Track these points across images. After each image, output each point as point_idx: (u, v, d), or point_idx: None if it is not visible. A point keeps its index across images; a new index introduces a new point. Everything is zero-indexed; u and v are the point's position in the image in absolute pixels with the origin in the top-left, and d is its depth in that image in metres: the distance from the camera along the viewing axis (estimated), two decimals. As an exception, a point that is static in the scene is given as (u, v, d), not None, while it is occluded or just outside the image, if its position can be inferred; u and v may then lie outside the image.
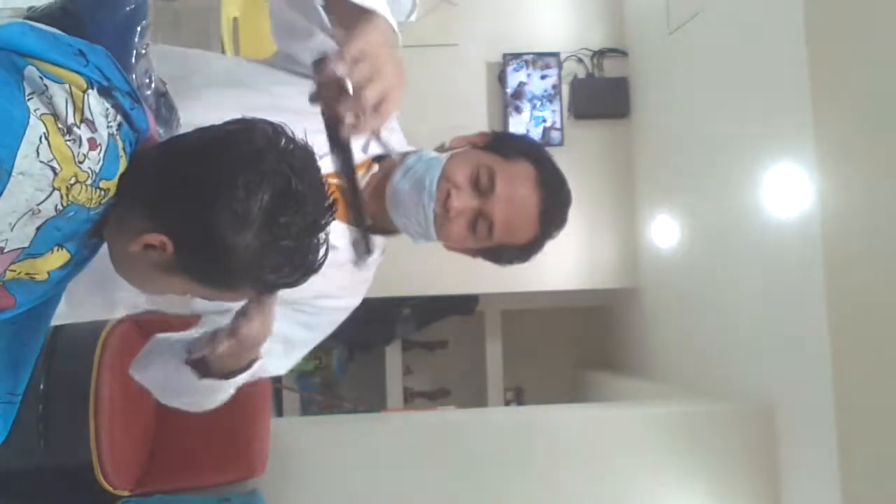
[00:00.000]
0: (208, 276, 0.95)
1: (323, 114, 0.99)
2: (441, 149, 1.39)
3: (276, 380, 4.52)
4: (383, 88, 1.00)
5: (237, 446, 2.80)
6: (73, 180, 0.86)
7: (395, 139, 1.42)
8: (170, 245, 0.91)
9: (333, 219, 0.99)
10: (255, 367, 1.20)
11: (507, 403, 5.15)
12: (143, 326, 2.59)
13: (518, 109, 4.37)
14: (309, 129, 0.98)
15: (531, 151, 1.37)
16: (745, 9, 3.31)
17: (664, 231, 4.08)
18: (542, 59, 4.39)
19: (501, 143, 1.37)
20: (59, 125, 0.84)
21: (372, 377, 5.35)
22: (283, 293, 1.12)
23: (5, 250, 0.86)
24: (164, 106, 1.08)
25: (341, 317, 1.42)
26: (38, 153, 0.83)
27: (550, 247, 1.39)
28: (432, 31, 4.16)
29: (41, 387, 2.58)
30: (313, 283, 1.20)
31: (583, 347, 5.39)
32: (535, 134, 4.35)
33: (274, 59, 1.38)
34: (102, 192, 0.91)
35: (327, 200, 0.97)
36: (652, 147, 4.25)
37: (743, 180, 3.28)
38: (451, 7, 4.32)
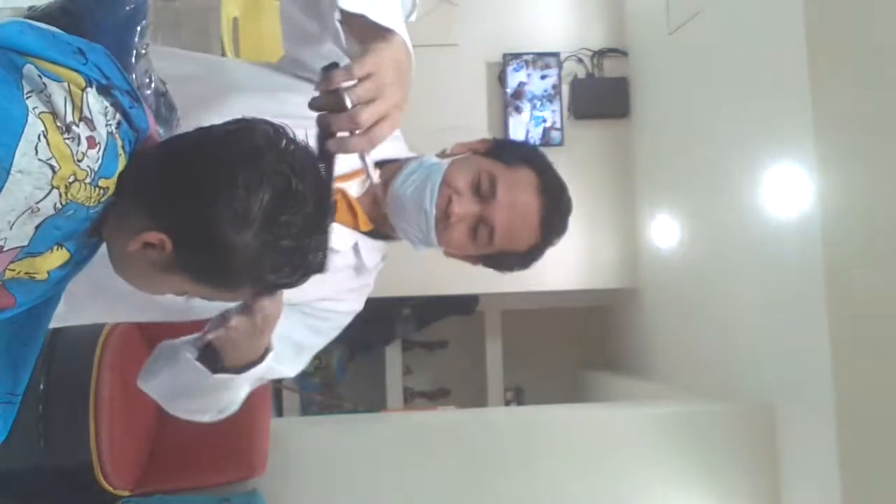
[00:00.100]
0: (207, 276, 0.95)
1: (318, 121, 0.99)
2: (442, 155, 1.39)
3: (276, 380, 4.52)
4: (381, 111, 1.00)
5: (237, 446, 2.79)
6: (71, 178, 0.86)
7: (397, 146, 1.42)
8: (169, 243, 0.91)
9: (334, 220, 0.99)
10: (268, 359, 1.18)
11: (507, 403, 5.15)
12: (144, 327, 2.59)
13: (518, 109, 4.37)
14: (311, 134, 0.98)
15: (532, 158, 1.37)
16: (745, 9, 3.31)
17: (664, 231, 4.09)
18: (542, 59, 4.39)
19: (503, 150, 1.37)
20: (58, 123, 0.84)
21: (372, 377, 5.35)
22: (287, 296, 1.12)
23: (4, 249, 0.86)
24: (164, 106, 1.08)
25: (345, 321, 1.42)
26: (36, 151, 0.83)
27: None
28: (432, 31, 4.16)
29: (41, 387, 2.58)
30: (315, 287, 1.20)
31: (583, 347, 5.40)
32: (535, 134, 4.36)
33: (281, 64, 1.38)
34: (101, 191, 0.91)
35: (328, 201, 0.97)
36: (652, 147, 4.26)
37: (743, 180, 3.28)
38: (451, 7, 4.32)
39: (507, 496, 3.11)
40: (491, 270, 1.43)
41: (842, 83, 2.75)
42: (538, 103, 4.37)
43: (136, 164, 0.95)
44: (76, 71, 0.87)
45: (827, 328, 2.73)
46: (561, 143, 4.34)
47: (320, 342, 1.41)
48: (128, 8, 0.99)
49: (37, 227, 0.87)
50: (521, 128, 4.36)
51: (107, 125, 0.90)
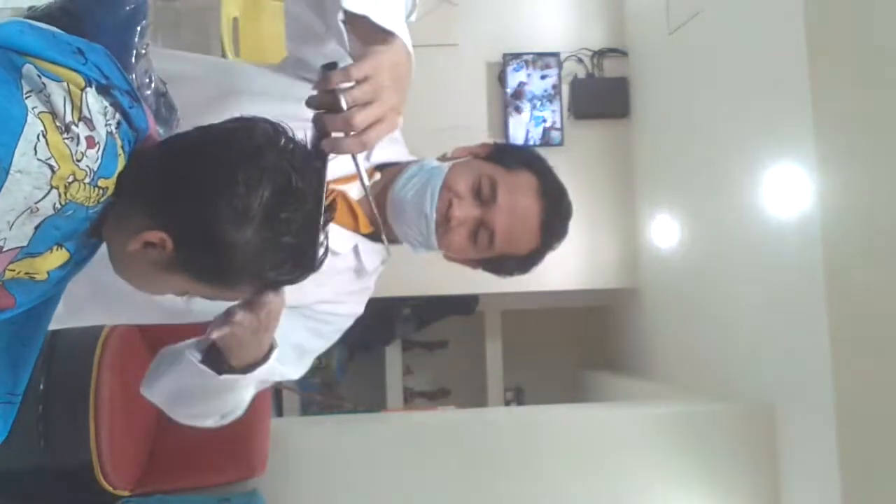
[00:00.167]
0: (208, 274, 0.95)
1: (313, 120, 0.99)
2: (443, 159, 1.39)
3: (277, 381, 4.52)
4: (377, 114, 1.00)
5: (237, 446, 2.79)
6: (71, 178, 0.86)
7: (397, 150, 1.42)
8: (169, 242, 0.91)
9: (332, 217, 0.99)
10: (273, 357, 1.17)
11: (507, 403, 5.15)
12: (144, 328, 2.59)
13: (518, 109, 4.37)
14: (309, 133, 0.99)
15: (533, 163, 1.37)
16: (745, 9, 3.31)
17: (664, 231, 4.09)
18: (542, 59, 4.39)
19: (503, 154, 1.38)
20: (57, 123, 0.85)
21: (372, 377, 5.35)
22: (287, 299, 1.12)
23: (4, 249, 0.86)
24: (164, 106, 1.08)
25: (345, 324, 1.42)
26: (35, 151, 0.83)
27: (551, 246, 1.39)
28: (432, 31, 4.16)
29: (41, 387, 2.58)
30: (315, 288, 1.19)
31: (583, 347, 5.40)
32: (535, 134, 4.36)
33: (283, 65, 1.38)
34: (101, 191, 0.91)
35: (327, 199, 0.97)
36: (652, 147, 4.26)
37: (743, 180, 3.28)
38: (451, 7, 4.32)
39: (506, 496, 3.11)
40: (491, 271, 1.42)
41: (842, 83, 2.75)
42: (538, 103, 4.37)
43: (136, 163, 0.95)
44: (76, 71, 0.88)
45: (827, 328, 2.73)
46: (561, 143, 4.34)
47: (322, 345, 1.41)
48: (128, 8, 0.99)
49: (36, 228, 0.87)
50: (521, 128, 4.36)
51: (106, 125, 0.90)
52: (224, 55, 3.24)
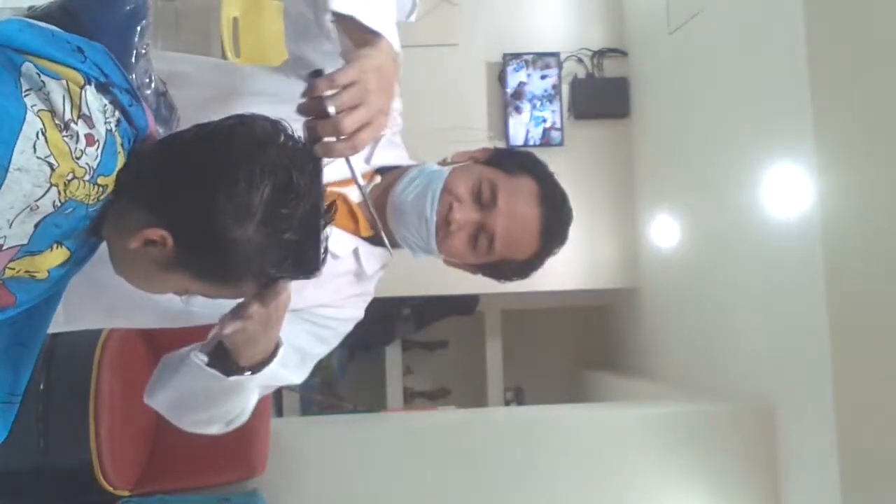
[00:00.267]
0: (209, 272, 0.95)
1: (304, 126, 1.00)
2: (443, 163, 1.39)
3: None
4: (364, 117, 1.02)
5: (237, 446, 2.79)
6: (70, 176, 0.86)
7: (398, 154, 1.42)
8: (170, 240, 0.91)
9: (333, 218, 0.99)
10: (280, 354, 1.17)
11: (507, 403, 5.15)
12: (144, 329, 2.59)
13: (518, 109, 4.37)
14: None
15: (533, 167, 1.37)
16: (745, 9, 3.31)
17: (664, 231, 4.09)
18: (542, 59, 4.39)
19: (503, 159, 1.38)
20: (56, 121, 0.85)
21: (372, 377, 5.35)
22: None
23: (4, 247, 0.86)
24: (164, 106, 1.08)
25: (346, 328, 1.42)
26: (34, 149, 0.83)
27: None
28: (432, 31, 4.16)
29: (41, 387, 2.58)
30: (315, 290, 1.19)
31: (583, 347, 5.40)
32: (535, 134, 4.35)
33: (284, 67, 1.38)
34: (100, 189, 0.91)
35: (326, 200, 0.97)
36: (652, 147, 4.26)
37: (743, 180, 3.28)
38: (451, 7, 4.32)
39: (506, 496, 3.11)
40: (491, 270, 1.42)
41: (842, 83, 2.75)
42: (538, 103, 4.37)
43: (136, 161, 0.95)
44: (75, 69, 0.88)
45: (827, 328, 2.73)
46: (561, 143, 4.34)
47: (323, 350, 1.41)
48: (128, 8, 0.99)
49: (36, 226, 0.87)
50: (521, 128, 4.36)
51: (105, 122, 0.90)
52: (224, 55, 3.24)
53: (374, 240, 1.36)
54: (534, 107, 4.37)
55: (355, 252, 1.35)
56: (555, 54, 4.40)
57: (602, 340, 5.15)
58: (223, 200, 0.89)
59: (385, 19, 1.13)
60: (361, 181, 1.23)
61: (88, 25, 0.96)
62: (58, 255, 0.93)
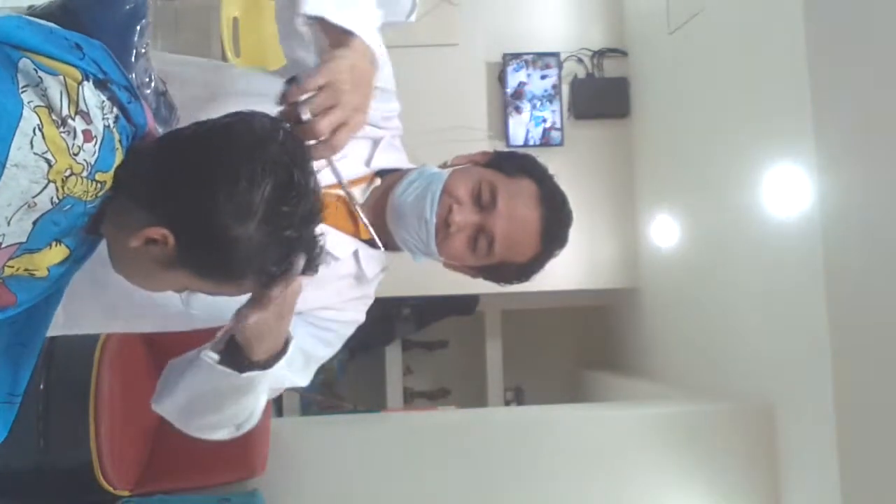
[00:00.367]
0: (211, 269, 0.95)
1: None
2: (443, 166, 1.39)
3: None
4: (339, 119, 1.03)
5: (237, 446, 2.77)
6: (68, 172, 0.86)
7: (398, 157, 1.42)
8: (171, 238, 0.91)
9: (323, 210, 1.00)
10: (290, 348, 1.16)
11: (507, 403, 5.15)
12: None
13: (518, 109, 4.37)
14: None
15: (533, 170, 1.37)
16: (745, 9, 3.31)
17: (664, 231, 4.08)
18: (542, 59, 4.39)
19: (503, 161, 1.38)
20: (54, 117, 0.85)
21: (372, 377, 5.35)
22: None
23: (3, 245, 0.86)
24: (164, 105, 1.08)
25: (348, 331, 1.42)
26: (32, 145, 0.83)
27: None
28: (432, 31, 4.16)
29: (41, 387, 2.58)
30: (315, 292, 1.19)
31: (583, 347, 5.39)
32: (535, 134, 4.35)
33: (283, 70, 1.38)
34: (98, 185, 0.91)
35: (320, 192, 0.98)
36: (652, 147, 4.25)
37: (743, 180, 3.27)
38: (451, 7, 4.32)
39: (506, 496, 3.11)
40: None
41: (842, 83, 2.74)
42: (538, 103, 4.37)
43: (134, 158, 0.95)
44: (73, 65, 0.88)
45: (827, 328, 2.73)
46: (561, 143, 4.34)
47: (326, 352, 1.41)
48: (127, 7, 0.99)
49: (34, 223, 0.87)
50: (521, 128, 4.35)
51: (103, 119, 0.90)
52: (224, 55, 3.25)
53: (374, 243, 1.36)
54: (534, 107, 4.37)
55: (355, 254, 1.35)
56: (555, 54, 4.40)
57: (602, 340, 5.15)
58: (224, 199, 0.89)
59: (359, 18, 1.14)
60: (344, 179, 1.24)
61: (88, 24, 0.96)
62: (57, 253, 0.93)
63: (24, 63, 0.84)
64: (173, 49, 3.81)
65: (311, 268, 0.99)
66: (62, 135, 0.85)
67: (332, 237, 1.02)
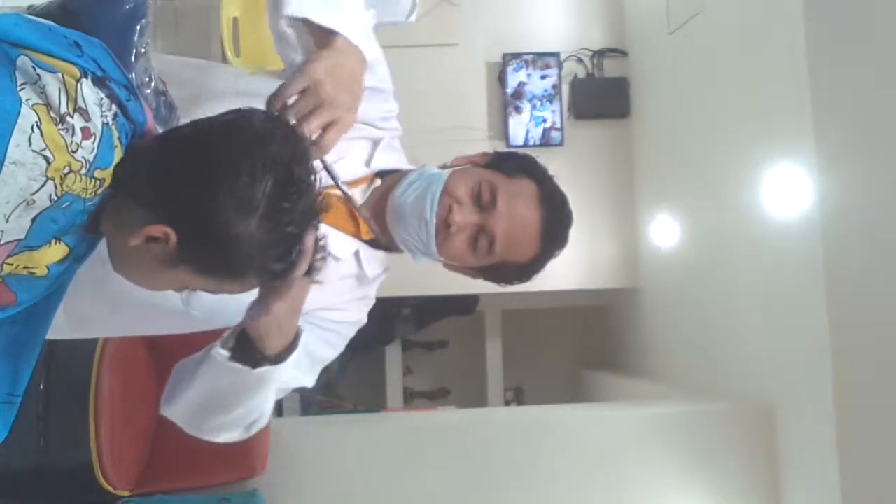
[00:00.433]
0: (212, 267, 0.95)
1: None
2: (443, 167, 1.39)
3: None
4: (325, 120, 1.04)
5: (237, 446, 2.77)
6: (66, 169, 0.86)
7: (398, 159, 1.42)
8: (173, 236, 0.91)
9: (326, 209, 1.00)
10: (301, 340, 1.16)
11: (507, 403, 5.15)
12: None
13: (518, 109, 4.37)
14: None
15: (533, 170, 1.37)
16: (745, 9, 3.31)
17: (664, 231, 4.08)
18: (542, 59, 4.38)
19: (503, 161, 1.38)
20: (52, 114, 0.85)
21: (372, 377, 5.35)
22: None
23: (1, 242, 0.86)
24: (164, 105, 1.08)
25: (350, 332, 1.42)
26: (30, 142, 0.83)
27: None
28: (432, 31, 4.16)
29: (41, 387, 2.58)
30: (316, 293, 1.19)
31: (583, 347, 5.39)
32: (535, 134, 4.35)
33: (281, 73, 1.38)
34: (97, 182, 0.91)
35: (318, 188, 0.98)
36: (652, 147, 4.25)
37: (743, 180, 3.28)
38: (451, 7, 4.32)
39: (506, 496, 3.11)
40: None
41: (842, 83, 2.74)
42: (538, 103, 4.37)
43: (133, 156, 0.95)
44: (71, 63, 0.88)
45: (827, 328, 2.73)
46: (561, 144, 4.33)
47: (330, 354, 1.41)
48: (127, 7, 0.99)
49: (33, 220, 0.87)
50: (520, 128, 4.35)
51: (102, 116, 0.90)
52: (224, 55, 3.25)
53: (375, 243, 1.36)
54: (534, 107, 4.37)
55: (356, 255, 1.35)
56: (555, 54, 4.40)
57: (602, 340, 5.15)
58: (225, 196, 0.89)
59: (344, 18, 1.14)
60: (339, 178, 1.25)
61: (88, 24, 0.96)
62: (56, 251, 0.93)
63: (23, 61, 0.84)
64: (173, 49, 3.82)
65: (313, 272, 0.99)
66: (60, 132, 0.85)
67: (332, 237, 1.01)
